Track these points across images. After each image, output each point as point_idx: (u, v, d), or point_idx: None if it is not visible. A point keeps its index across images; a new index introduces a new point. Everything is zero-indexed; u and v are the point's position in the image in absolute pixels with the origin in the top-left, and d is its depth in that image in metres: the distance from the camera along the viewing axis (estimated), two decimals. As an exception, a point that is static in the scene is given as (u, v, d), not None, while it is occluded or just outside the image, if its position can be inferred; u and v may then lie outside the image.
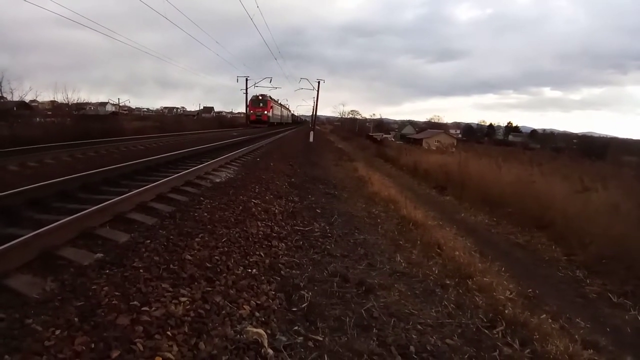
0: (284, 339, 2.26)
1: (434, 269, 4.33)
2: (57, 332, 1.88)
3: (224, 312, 2.32)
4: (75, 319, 2.01)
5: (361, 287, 3.15)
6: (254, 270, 3.01)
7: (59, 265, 2.78)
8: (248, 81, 47.01)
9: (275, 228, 4.24)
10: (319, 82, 36.58)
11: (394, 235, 5.54)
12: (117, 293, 2.29)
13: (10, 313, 2.05)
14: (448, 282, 4.07)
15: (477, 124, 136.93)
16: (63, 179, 4.80)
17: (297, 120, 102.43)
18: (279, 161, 9.91)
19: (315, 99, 40.02)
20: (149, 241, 3.14)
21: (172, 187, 5.08)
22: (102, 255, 2.89)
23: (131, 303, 2.19)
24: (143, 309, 2.15)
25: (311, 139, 24.98)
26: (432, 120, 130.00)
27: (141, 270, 2.59)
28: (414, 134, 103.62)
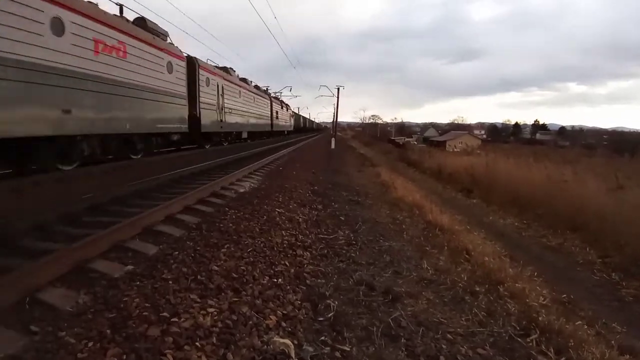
0: (310, 349, 2.25)
1: (462, 275, 4.22)
2: (90, 344, 1.94)
3: (250, 322, 2.33)
4: (108, 330, 2.07)
5: (388, 295, 3.11)
6: (280, 279, 3.02)
7: (91, 277, 2.88)
8: (268, 89, 47.49)
9: (300, 237, 4.24)
10: (338, 89, 36.41)
11: (420, 242, 5.45)
12: (147, 304, 2.34)
13: (44, 326, 2.12)
14: (478, 288, 3.95)
15: (502, 124, 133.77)
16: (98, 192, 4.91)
17: (318, 127, 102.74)
18: (301, 169, 9.95)
19: (336, 106, 39.77)
20: (177, 253, 3.20)
21: (198, 199, 5.18)
22: (132, 267, 2.97)
23: (161, 314, 2.23)
24: (172, 320, 2.19)
25: (332, 146, 25.00)
26: (455, 122, 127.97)
27: (170, 282, 2.65)
28: (437, 137, 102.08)
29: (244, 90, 19.48)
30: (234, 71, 19.01)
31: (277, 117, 31.04)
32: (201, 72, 12.81)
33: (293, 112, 47.24)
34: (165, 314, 2.24)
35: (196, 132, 12.25)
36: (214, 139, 14.57)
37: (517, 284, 4.65)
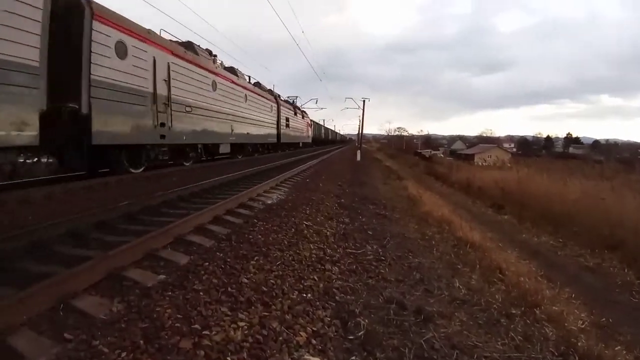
0: (341, 369, 2.19)
1: (497, 296, 4.05)
2: (123, 354, 1.95)
3: (281, 338, 2.30)
4: (141, 341, 2.08)
5: (419, 315, 3.01)
6: (309, 294, 2.99)
7: (124, 286, 2.93)
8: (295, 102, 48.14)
9: (328, 251, 4.20)
10: (364, 101, 36.48)
11: (450, 259, 5.29)
12: (179, 315, 2.35)
13: (78, 334, 2.14)
14: (514, 311, 3.79)
15: (533, 136, 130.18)
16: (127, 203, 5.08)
17: (342, 139, 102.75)
18: (327, 181, 9.94)
19: (361, 118, 39.66)
20: (207, 263, 3.23)
21: (227, 210, 5.24)
22: (164, 277, 3.01)
23: (193, 326, 2.24)
24: (204, 332, 2.19)
25: (358, 158, 24.91)
26: (484, 134, 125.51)
27: (201, 293, 2.66)
28: (465, 149, 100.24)
29: (222, 80, 13.83)
30: (215, 57, 14.19)
31: (287, 126, 25.80)
32: (95, 21, 7.29)
33: (312, 121, 41.46)
34: (197, 326, 2.25)
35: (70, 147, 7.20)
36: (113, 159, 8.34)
37: (554, 307, 4.46)
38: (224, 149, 14.54)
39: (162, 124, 9.68)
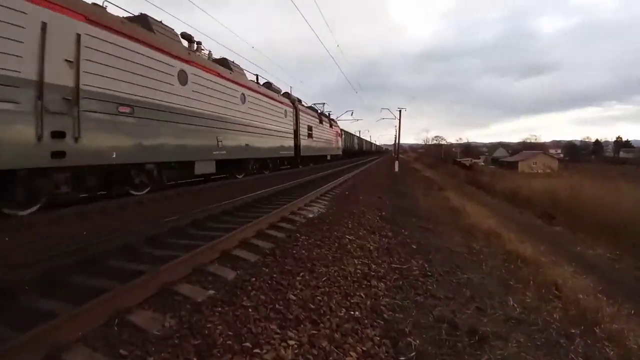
0: (395, 392, 2.12)
1: (554, 314, 3.81)
2: (178, 371, 1.99)
3: (331, 358, 2.26)
4: (194, 358, 2.11)
5: (473, 335, 2.87)
6: (357, 312, 2.93)
7: (175, 301, 3.00)
8: (330, 115, 48.49)
9: (373, 266, 4.13)
10: (400, 111, 36.06)
11: (501, 274, 5.06)
12: (230, 332, 2.38)
13: (132, 350, 2.18)
14: (573, 330, 3.54)
15: (581, 141, 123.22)
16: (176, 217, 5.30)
17: (378, 150, 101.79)
18: (367, 194, 9.85)
19: (397, 128, 39.26)
20: (254, 279, 3.26)
21: (270, 224, 5.30)
22: (213, 292, 3.07)
23: (244, 344, 2.25)
24: (255, 350, 2.19)
25: (396, 169, 24.59)
26: (527, 141, 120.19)
27: (250, 310, 2.68)
28: (507, 157, 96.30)
29: (194, 69, 9.92)
30: (208, 51, 12.00)
31: (309, 136, 21.81)
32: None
33: (343, 130, 37.71)
34: (247, 344, 2.26)
35: None
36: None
37: (614, 325, 4.17)
38: (204, 167, 10.61)
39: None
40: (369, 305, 3.13)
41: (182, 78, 9.43)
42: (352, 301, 3.11)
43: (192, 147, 9.75)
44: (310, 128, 22.14)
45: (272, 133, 15.89)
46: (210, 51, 12.41)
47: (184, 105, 9.43)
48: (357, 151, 51.18)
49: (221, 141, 11.24)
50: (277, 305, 2.77)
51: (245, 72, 14.31)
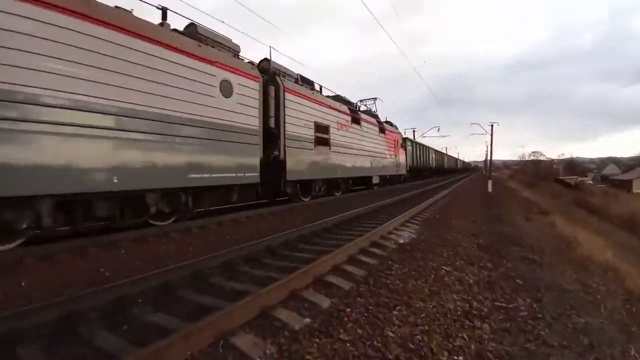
0: None
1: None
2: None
3: (437, 410, 2.09)
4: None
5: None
6: (460, 357, 2.70)
7: (274, 326, 3.06)
8: (415, 132, 47.27)
9: (474, 303, 3.81)
10: (492, 126, 33.70)
11: (622, 318, 4.33)
12: (329, 368, 2.34)
13: None
14: None
15: None
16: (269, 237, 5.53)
17: (467, 167, 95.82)
18: (459, 217, 9.28)
19: (489, 144, 36.64)
20: (349, 309, 3.21)
21: (360, 249, 5.24)
22: (309, 320, 3.08)
23: (344, 383, 2.19)
24: (356, 392, 2.12)
25: (489, 189, 22.88)
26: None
27: (348, 344, 2.63)
28: (619, 174, 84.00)
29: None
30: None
31: (321, 142, 12.89)
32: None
33: (407, 139, 28.25)
34: (348, 384, 2.20)
35: None
36: None
37: None
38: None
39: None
40: (474, 350, 2.87)
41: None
42: (454, 344, 2.88)
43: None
44: (323, 128, 13.16)
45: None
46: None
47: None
48: (435, 169, 42.35)
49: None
50: (375, 342, 2.68)
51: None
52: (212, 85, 7.94)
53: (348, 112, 15.46)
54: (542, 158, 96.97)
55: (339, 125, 14.40)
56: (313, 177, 12.35)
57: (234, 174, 8.45)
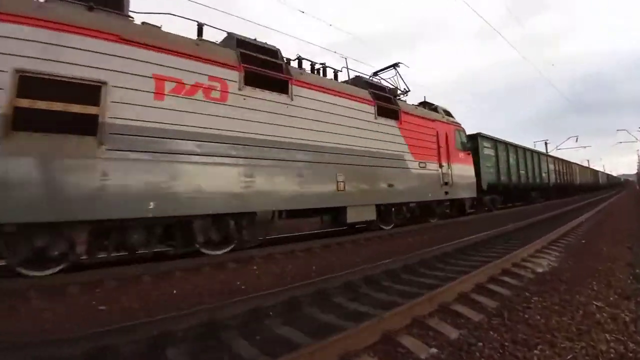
0: None
1: None
2: None
3: None
4: None
5: None
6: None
7: (398, 352, 3.02)
8: (548, 145, 42.17)
9: (630, 345, 3.18)
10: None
11: None
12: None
13: None
14: None
15: None
16: (393, 259, 5.53)
17: (612, 183, 79.64)
18: (610, 243, 7.88)
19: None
20: (480, 344, 2.99)
21: (489, 276, 4.85)
22: (436, 350, 2.96)
23: None
24: None
25: (650, 208, 18.87)
26: None
27: (481, 384, 2.45)
28: None
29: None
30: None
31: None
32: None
33: (479, 135, 17.12)
34: None
35: None
36: None
37: None
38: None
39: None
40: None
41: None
42: (613, 394, 2.45)
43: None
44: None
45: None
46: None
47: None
48: (555, 187, 28.76)
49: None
50: (514, 384, 2.44)
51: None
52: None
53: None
54: None
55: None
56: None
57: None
